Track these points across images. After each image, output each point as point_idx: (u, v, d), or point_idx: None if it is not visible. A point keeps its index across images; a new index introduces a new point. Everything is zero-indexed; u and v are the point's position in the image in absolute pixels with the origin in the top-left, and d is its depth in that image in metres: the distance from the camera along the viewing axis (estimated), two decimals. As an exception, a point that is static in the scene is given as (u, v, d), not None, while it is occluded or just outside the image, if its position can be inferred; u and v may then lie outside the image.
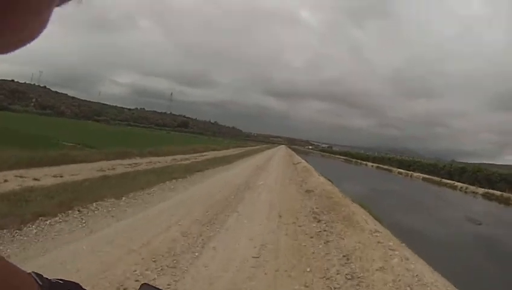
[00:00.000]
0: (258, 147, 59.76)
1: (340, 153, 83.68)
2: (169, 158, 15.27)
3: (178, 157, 16.23)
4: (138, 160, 12.63)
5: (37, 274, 0.35)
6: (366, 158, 55.91)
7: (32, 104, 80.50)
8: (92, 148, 12.95)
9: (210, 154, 20.66)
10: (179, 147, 22.02)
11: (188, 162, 14.46)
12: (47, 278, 0.36)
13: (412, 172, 30.03)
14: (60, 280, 0.38)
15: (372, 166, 41.20)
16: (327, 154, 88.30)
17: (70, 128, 29.00)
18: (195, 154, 19.72)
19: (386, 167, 37.04)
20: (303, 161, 21.98)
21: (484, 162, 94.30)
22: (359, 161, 51.04)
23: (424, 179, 26.82)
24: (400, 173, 32.18)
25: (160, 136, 40.08)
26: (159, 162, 12.99)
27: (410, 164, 42.65)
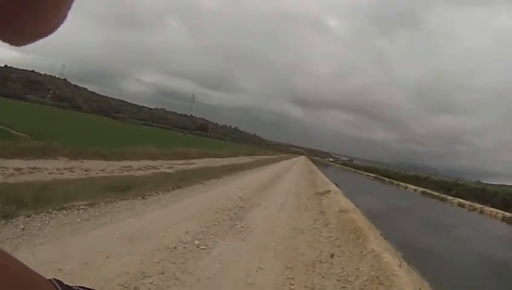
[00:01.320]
0: (274, 156, 53.31)
1: (366, 169, 74.35)
2: (123, 164, 9.92)
3: (139, 164, 10.59)
4: (54, 163, 7.54)
5: (57, 281, 0.32)
6: (397, 177, 48.04)
7: (49, 95, 78.82)
8: (45, 140, 9.64)
9: (199, 163, 14.93)
10: (166, 150, 16.67)
11: (138, 173, 8.76)
12: (68, 286, 0.33)
13: (480, 206, 21.78)
14: (81, 287, 0.35)
15: (415, 190, 32.89)
16: (351, 169, 79.59)
17: (53, 119, 24.49)
18: (178, 162, 14.27)
19: (435, 193, 28.72)
20: (332, 184, 14.41)
21: (507, 183, 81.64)
22: (394, 181, 42.74)
23: (504, 218, 18.56)
24: (461, 204, 23.58)
25: (166, 137, 34.91)
26: (89, 170, 7.71)
27: (451, 186, 34.83)
